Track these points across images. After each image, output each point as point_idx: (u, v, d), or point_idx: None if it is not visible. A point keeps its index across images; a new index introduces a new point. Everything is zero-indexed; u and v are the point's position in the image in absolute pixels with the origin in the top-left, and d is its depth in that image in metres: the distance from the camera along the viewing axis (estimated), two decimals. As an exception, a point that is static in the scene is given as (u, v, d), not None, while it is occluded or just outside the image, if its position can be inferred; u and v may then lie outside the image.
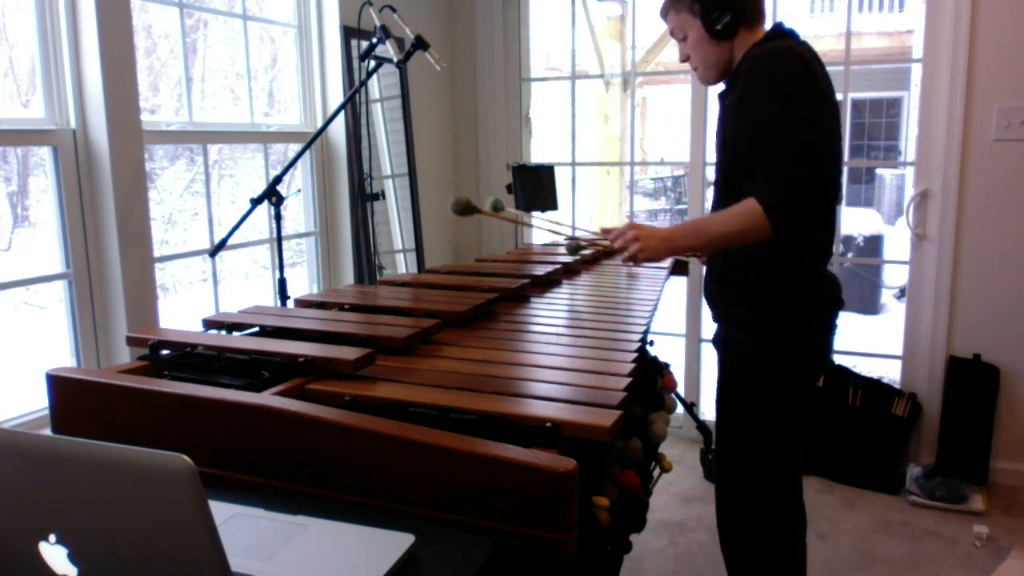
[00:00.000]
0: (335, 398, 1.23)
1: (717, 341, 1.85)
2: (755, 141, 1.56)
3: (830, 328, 1.78)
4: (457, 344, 1.56)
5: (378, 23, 2.64)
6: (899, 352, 3.28)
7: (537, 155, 3.98)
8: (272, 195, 2.33)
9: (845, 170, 3.45)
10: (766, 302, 1.71)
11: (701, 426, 3.26)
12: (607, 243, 1.79)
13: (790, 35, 1.67)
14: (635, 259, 1.64)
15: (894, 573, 2.49)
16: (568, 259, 2.49)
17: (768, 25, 1.73)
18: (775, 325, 1.71)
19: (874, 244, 6.98)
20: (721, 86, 1.79)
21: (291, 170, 2.45)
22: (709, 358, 3.64)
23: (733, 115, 1.65)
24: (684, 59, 1.77)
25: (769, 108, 1.54)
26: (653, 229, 1.65)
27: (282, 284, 2.40)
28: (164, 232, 5.73)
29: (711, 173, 3.36)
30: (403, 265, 3.49)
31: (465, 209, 2.05)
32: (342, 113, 2.95)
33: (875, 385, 3.23)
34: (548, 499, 0.95)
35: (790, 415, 1.75)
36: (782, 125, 1.52)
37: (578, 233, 2.08)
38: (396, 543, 0.89)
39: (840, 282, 1.79)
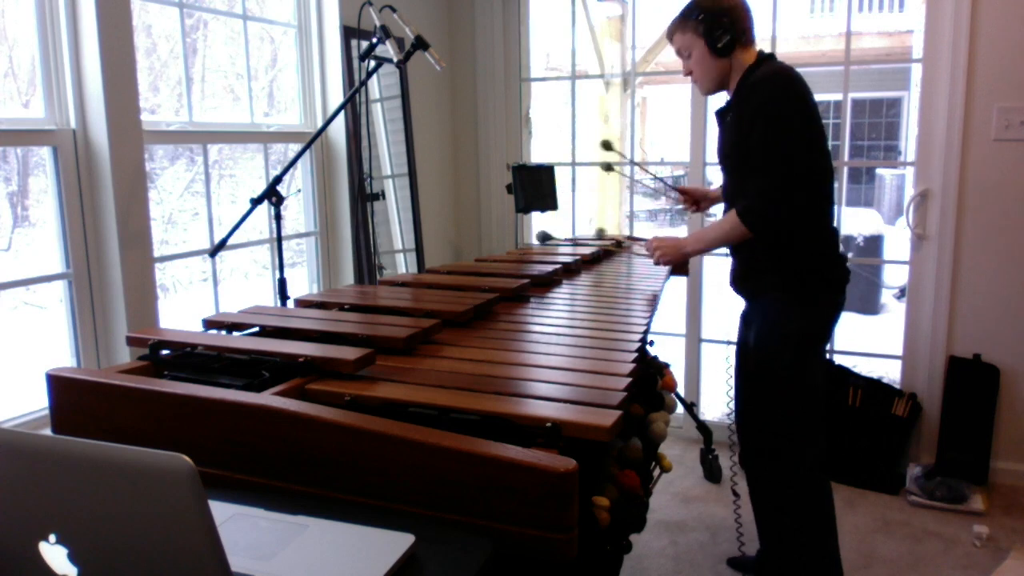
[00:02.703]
0: (335, 398, 1.23)
1: (742, 316, 2.20)
2: (746, 157, 1.95)
3: (839, 298, 2.07)
4: (457, 344, 1.56)
5: (378, 23, 2.63)
6: (899, 352, 3.28)
7: (537, 155, 3.98)
8: (272, 195, 2.33)
9: (845, 170, 3.47)
10: (783, 277, 2.02)
11: (701, 426, 3.26)
12: (646, 253, 2.33)
13: (772, 58, 2.02)
14: (659, 262, 2.21)
15: (894, 573, 2.49)
16: (568, 259, 2.49)
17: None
18: (793, 294, 2.02)
19: (874, 244, 6.98)
20: (720, 101, 2.14)
21: (291, 170, 2.45)
22: (709, 358, 3.67)
23: (733, 131, 2.00)
24: (688, 73, 2.09)
25: (756, 134, 1.91)
26: (671, 239, 2.21)
27: (282, 284, 2.40)
28: (164, 232, 5.73)
29: (711, 173, 3.37)
30: (403, 265, 3.49)
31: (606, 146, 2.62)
32: (342, 113, 2.95)
33: (875, 385, 3.23)
34: (548, 499, 0.95)
35: (803, 373, 2.02)
36: (762, 149, 1.91)
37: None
38: (396, 543, 0.89)
39: (847, 266, 2.08)
